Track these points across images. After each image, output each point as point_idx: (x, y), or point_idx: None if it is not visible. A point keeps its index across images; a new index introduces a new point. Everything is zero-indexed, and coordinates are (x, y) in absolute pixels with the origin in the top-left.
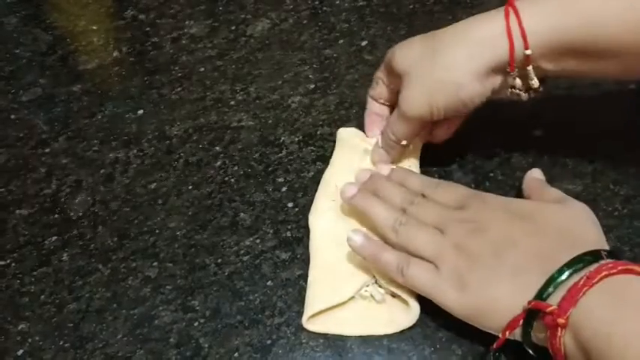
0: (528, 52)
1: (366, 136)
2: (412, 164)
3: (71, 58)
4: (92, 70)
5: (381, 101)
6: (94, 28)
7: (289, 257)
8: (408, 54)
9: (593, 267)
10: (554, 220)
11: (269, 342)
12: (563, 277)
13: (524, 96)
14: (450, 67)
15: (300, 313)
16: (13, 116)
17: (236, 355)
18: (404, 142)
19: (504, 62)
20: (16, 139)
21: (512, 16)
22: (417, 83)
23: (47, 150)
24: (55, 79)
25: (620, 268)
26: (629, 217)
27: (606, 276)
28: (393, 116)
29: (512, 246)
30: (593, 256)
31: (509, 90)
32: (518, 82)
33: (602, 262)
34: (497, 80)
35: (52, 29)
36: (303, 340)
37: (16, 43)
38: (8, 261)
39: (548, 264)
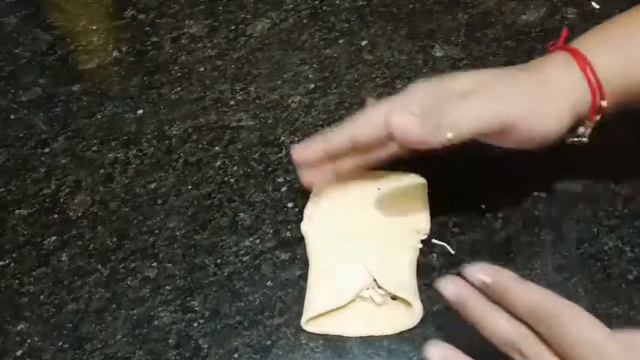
0: (604, 103)
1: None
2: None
3: (71, 57)
4: (92, 70)
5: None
6: (94, 27)
7: (289, 257)
8: (512, 100)
9: None
10: None
11: (269, 343)
12: None
13: (584, 141)
14: (550, 102)
15: (300, 314)
16: (12, 116)
17: (235, 355)
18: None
19: (585, 112)
20: (15, 139)
21: (588, 69)
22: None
23: (47, 150)
24: (55, 79)
25: None
26: (630, 217)
27: None
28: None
29: None
30: None
31: (572, 138)
32: (586, 130)
33: None
34: (569, 125)
35: (51, 29)
36: (303, 341)
37: (16, 43)
38: (7, 261)
39: None
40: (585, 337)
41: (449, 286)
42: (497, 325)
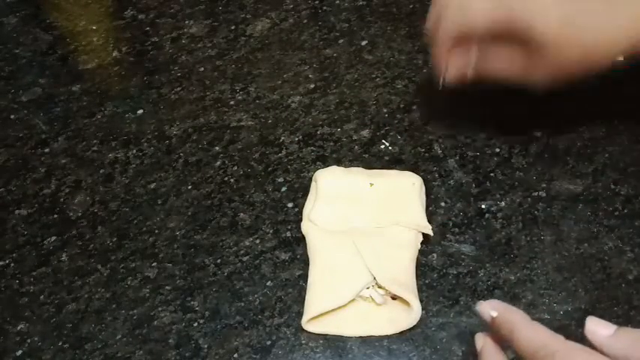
0: None
1: None
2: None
3: (71, 58)
4: (92, 70)
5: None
6: (94, 27)
7: (289, 257)
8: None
9: None
10: None
11: (269, 343)
12: None
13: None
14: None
15: (300, 314)
16: (12, 116)
17: (235, 355)
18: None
19: None
20: (15, 139)
21: None
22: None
23: (47, 150)
24: (55, 79)
25: None
26: (630, 217)
27: None
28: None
29: None
30: None
31: None
32: None
33: None
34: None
35: (51, 29)
36: (303, 341)
37: (16, 43)
38: (7, 261)
39: None
40: None
41: (479, 340)
42: None
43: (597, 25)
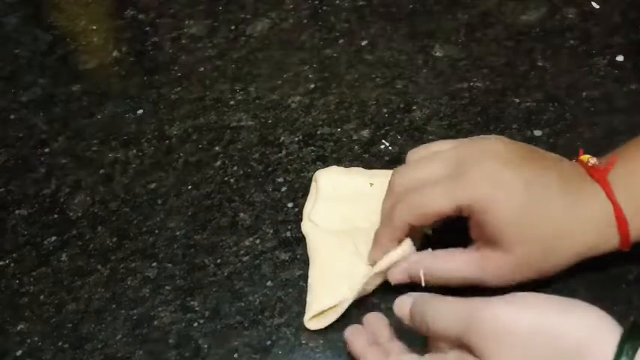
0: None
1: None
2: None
3: (71, 57)
4: (92, 70)
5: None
6: (94, 27)
7: (289, 257)
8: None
9: None
10: None
11: (269, 343)
12: None
13: None
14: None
15: (300, 314)
16: (12, 116)
17: (235, 355)
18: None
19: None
20: (15, 139)
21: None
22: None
23: (47, 150)
24: (55, 79)
25: None
26: None
27: None
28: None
29: None
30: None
31: None
32: None
33: None
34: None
35: (51, 29)
36: (303, 341)
37: (16, 43)
38: (7, 261)
39: None
40: None
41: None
42: None
43: (559, 217)
